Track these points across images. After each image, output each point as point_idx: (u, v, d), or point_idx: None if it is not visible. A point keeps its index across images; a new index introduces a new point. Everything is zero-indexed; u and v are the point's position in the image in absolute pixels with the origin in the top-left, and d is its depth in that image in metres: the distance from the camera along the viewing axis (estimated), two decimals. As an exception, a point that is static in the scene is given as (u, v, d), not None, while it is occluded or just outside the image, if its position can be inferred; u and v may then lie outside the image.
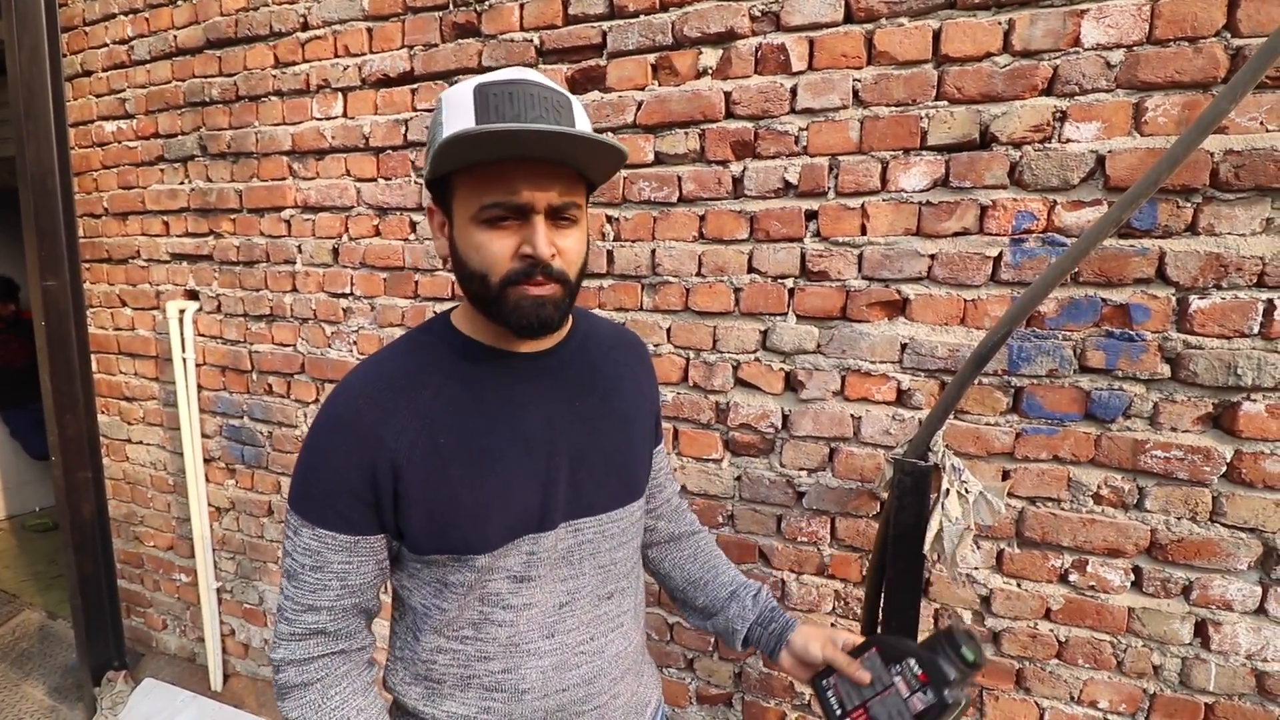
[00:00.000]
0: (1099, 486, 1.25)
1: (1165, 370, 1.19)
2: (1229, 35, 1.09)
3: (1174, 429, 1.20)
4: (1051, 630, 1.32)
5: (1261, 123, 1.09)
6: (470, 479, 0.71)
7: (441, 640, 0.78)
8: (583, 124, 0.68)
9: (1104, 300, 1.21)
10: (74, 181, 2.34)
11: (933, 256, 1.30)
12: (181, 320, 2.21)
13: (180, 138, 2.15)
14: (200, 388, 2.27)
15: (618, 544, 0.83)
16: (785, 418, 1.47)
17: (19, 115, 2.13)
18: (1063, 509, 1.28)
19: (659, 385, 1.00)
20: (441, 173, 0.69)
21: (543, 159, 0.66)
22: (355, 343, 1.95)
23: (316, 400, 2.05)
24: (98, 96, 2.32)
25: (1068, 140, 1.20)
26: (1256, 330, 1.13)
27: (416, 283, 1.84)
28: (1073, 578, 1.29)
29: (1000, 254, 1.26)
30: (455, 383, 0.74)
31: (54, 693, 2.58)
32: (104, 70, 2.29)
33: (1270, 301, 1.11)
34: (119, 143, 2.30)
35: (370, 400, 0.72)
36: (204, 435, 2.30)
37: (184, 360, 2.22)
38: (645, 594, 0.97)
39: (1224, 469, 1.17)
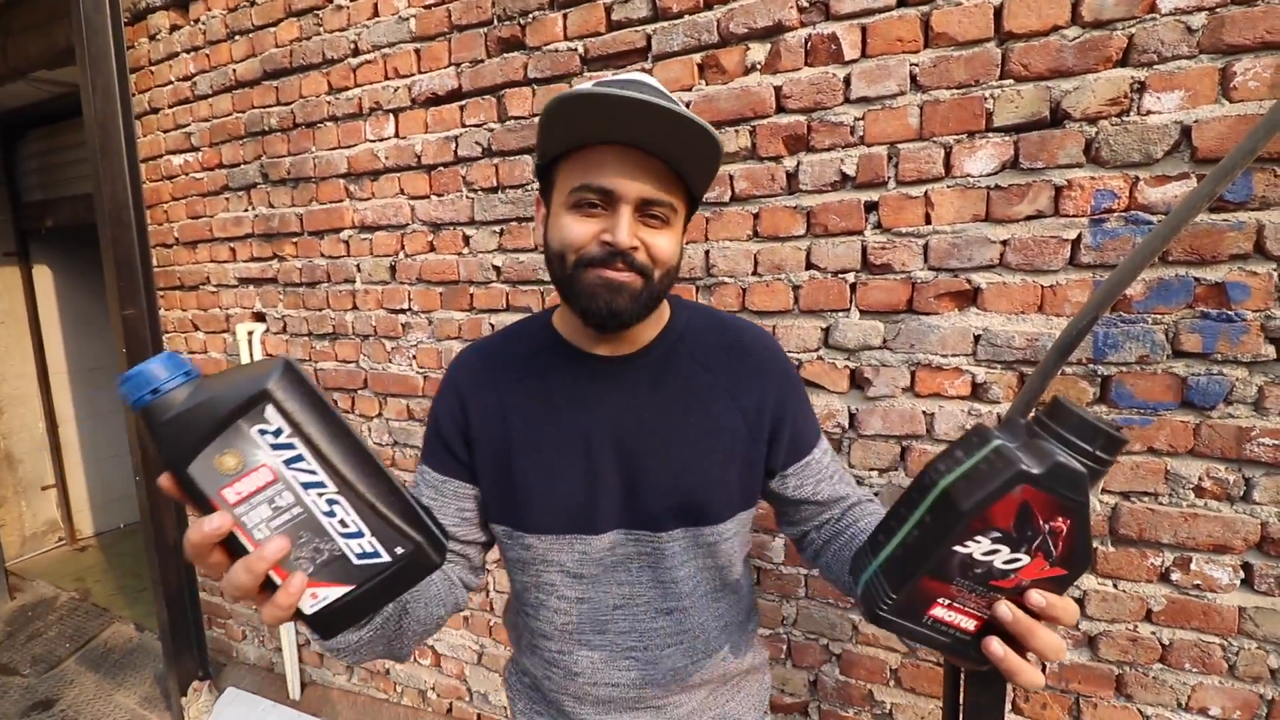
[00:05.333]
0: (1200, 478, 1.17)
1: (1270, 351, 1.10)
2: (1329, -13, 1.01)
3: (1283, 414, 1.11)
4: (1153, 633, 1.24)
5: (1372, 79, 1.00)
6: (528, 463, 0.78)
7: (519, 604, 0.88)
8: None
9: (1197, 279, 1.13)
10: (146, 214, 2.46)
11: (1004, 242, 1.24)
12: (250, 341, 2.29)
13: (243, 167, 2.24)
14: (269, 406, 2.35)
15: (679, 564, 0.80)
16: (852, 416, 1.43)
17: (95, 154, 2.26)
18: (1161, 504, 1.20)
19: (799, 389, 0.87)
20: (545, 154, 0.71)
21: (634, 143, 0.65)
22: (415, 357, 1.99)
23: (379, 414, 2.10)
24: (165, 132, 2.44)
25: (1148, 112, 1.13)
26: (1375, 304, 1.04)
27: (472, 295, 1.87)
28: (1175, 576, 1.21)
29: (1079, 236, 1.19)
30: (535, 374, 0.80)
31: (144, 702, 2.71)
32: (170, 107, 2.40)
33: (1390, 272, 1.02)
34: (186, 175, 2.41)
35: (468, 370, 0.84)
36: (274, 452, 2.38)
37: (253, 380, 2.30)
38: (749, 618, 0.93)
39: (1343, 456, 1.08)
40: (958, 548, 0.47)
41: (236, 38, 2.17)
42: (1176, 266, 1.14)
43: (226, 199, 2.32)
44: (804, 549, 0.92)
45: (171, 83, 2.37)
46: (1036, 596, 0.48)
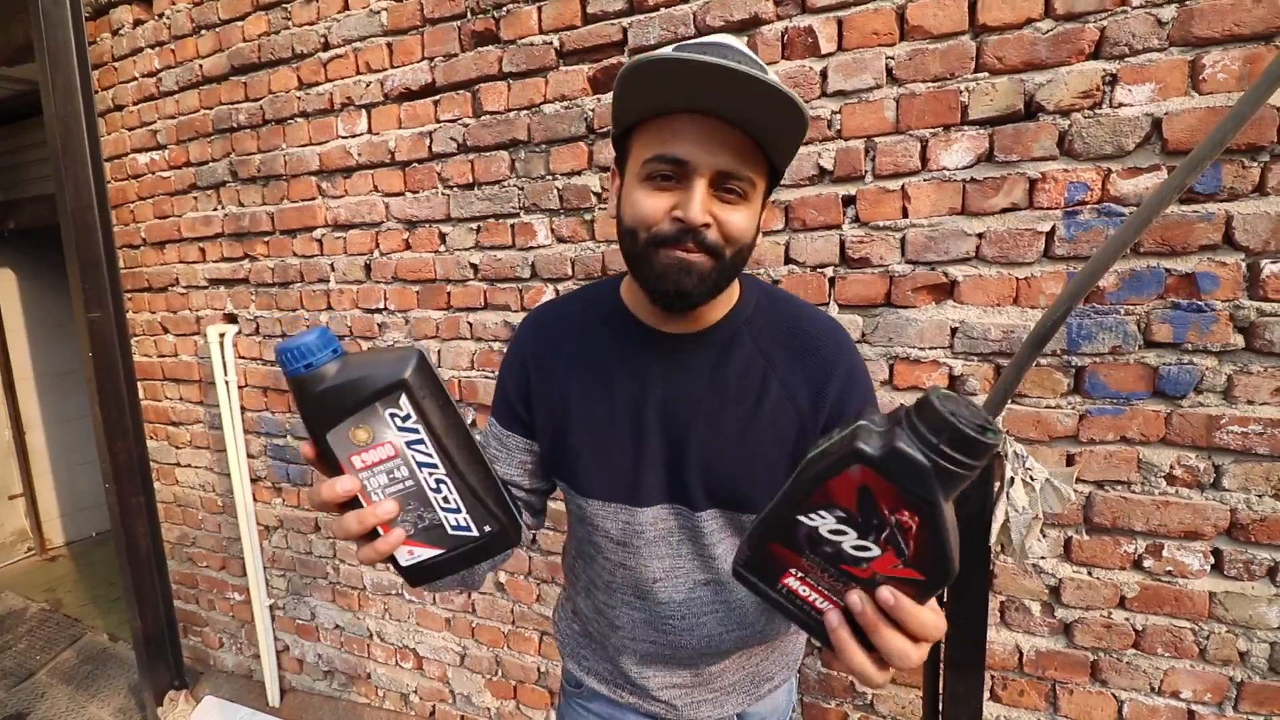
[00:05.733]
0: (1172, 466, 1.19)
1: (1238, 341, 1.12)
2: (1292, -19, 1.03)
3: (1250, 402, 1.13)
4: (1127, 619, 1.26)
5: (1334, 71, 1.02)
6: (582, 432, 0.81)
7: (578, 550, 0.92)
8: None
9: (1168, 270, 1.15)
10: (112, 214, 2.39)
11: (980, 235, 1.25)
12: (222, 344, 2.24)
13: (211, 165, 2.19)
14: (243, 409, 2.31)
15: (716, 541, 0.80)
16: (832, 410, 1.44)
17: (57, 153, 2.18)
18: (1133, 492, 1.22)
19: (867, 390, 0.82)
20: (621, 123, 0.70)
21: (712, 111, 0.62)
22: (391, 357, 1.96)
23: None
24: (130, 130, 2.37)
25: (1120, 105, 1.14)
26: (1339, 293, 1.06)
27: (449, 294, 1.84)
28: (1147, 563, 1.23)
29: (1053, 228, 1.20)
30: (597, 346, 0.82)
31: (119, 713, 2.65)
32: (134, 104, 2.34)
33: (1353, 261, 1.05)
34: (153, 173, 2.35)
35: (533, 335, 0.86)
36: (249, 455, 2.34)
37: (226, 383, 2.26)
38: None
39: (1309, 442, 1.10)
40: (802, 518, 0.47)
41: (202, 32, 2.11)
42: (1148, 258, 1.16)
43: (195, 198, 2.26)
44: None
45: (136, 79, 2.31)
46: (885, 592, 0.46)
